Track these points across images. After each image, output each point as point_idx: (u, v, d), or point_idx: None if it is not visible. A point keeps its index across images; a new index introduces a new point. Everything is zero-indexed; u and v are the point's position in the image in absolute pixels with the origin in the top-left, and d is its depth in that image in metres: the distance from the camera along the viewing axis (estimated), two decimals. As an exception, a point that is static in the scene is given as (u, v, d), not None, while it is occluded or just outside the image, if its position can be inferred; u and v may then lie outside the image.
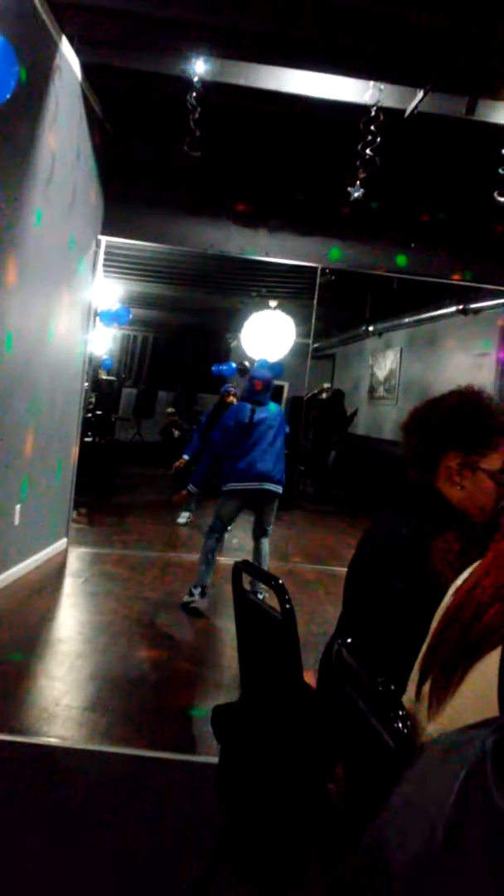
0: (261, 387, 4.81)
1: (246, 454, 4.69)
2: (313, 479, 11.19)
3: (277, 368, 9.96)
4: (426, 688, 1.10)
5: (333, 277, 7.82)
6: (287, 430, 5.06)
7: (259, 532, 4.96)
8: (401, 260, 6.47)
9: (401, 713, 1.01)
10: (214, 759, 1.85)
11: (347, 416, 11.54)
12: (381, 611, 1.48)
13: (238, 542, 6.95)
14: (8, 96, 3.19)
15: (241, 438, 4.70)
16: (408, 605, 1.23)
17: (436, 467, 1.60)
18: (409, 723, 1.01)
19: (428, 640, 1.15)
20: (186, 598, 4.60)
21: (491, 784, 0.63)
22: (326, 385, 11.43)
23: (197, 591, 4.59)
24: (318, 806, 1.42)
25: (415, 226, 6.45)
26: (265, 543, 4.94)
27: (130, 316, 9.50)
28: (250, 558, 4.89)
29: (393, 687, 1.08)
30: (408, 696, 1.16)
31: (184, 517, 7.46)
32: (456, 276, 6.56)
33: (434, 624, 1.16)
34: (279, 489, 4.81)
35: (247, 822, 1.69)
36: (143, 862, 2.04)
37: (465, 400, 1.63)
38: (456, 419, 1.60)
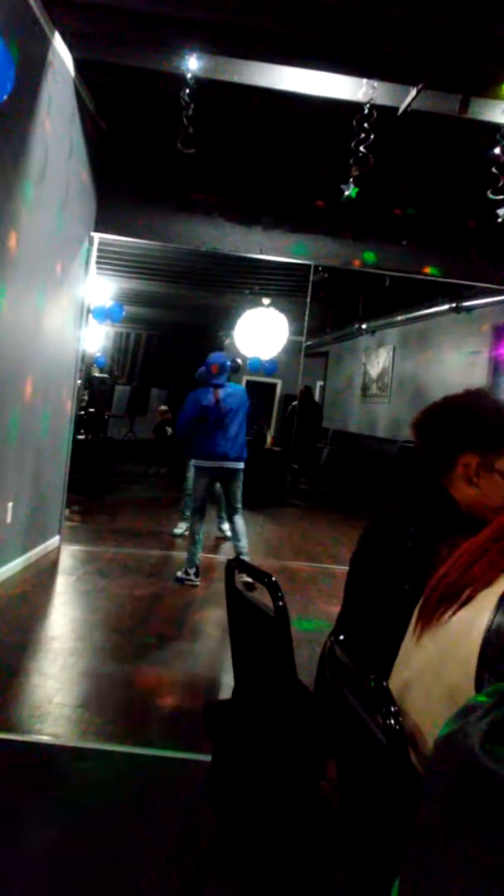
0: (216, 370, 5.20)
1: (209, 435, 5.12)
2: (307, 477, 11.19)
3: (270, 366, 9.96)
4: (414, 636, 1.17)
5: (326, 275, 7.82)
6: (246, 408, 5.35)
7: (230, 511, 5.33)
8: (392, 257, 6.48)
9: (392, 709, 1.01)
10: (208, 757, 1.85)
11: (321, 408, 11.72)
12: (383, 610, 1.47)
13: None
14: (5, 98, 3.17)
15: (203, 420, 5.11)
16: (411, 606, 1.22)
17: (452, 466, 1.60)
18: (400, 719, 1.01)
19: (424, 593, 1.20)
20: (181, 575, 5.09)
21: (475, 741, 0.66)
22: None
23: (192, 571, 5.07)
24: (310, 804, 1.42)
25: (407, 223, 6.45)
26: (239, 520, 5.27)
27: (124, 313, 9.47)
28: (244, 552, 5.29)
29: (385, 683, 1.08)
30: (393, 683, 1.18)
31: (181, 528, 6.76)
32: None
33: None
34: (240, 465, 5.22)
35: (239, 821, 1.69)
36: (137, 861, 2.04)
37: (481, 400, 1.66)
38: (476, 419, 1.61)
